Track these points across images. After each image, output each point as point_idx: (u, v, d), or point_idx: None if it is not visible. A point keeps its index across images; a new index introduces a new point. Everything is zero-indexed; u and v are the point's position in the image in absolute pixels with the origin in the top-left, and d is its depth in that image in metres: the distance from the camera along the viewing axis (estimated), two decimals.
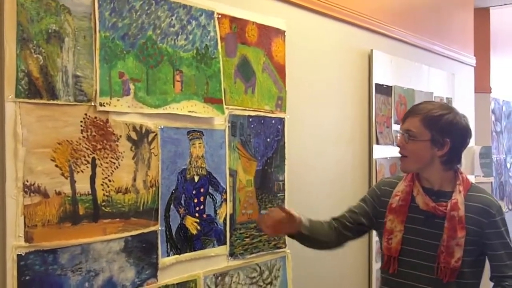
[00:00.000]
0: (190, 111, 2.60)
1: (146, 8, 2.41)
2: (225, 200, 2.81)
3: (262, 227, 2.45)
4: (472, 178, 5.80)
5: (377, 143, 4.08)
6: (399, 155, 2.51)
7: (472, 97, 5.95)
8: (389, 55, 4.28)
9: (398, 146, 2.50)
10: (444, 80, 5.19)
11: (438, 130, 2.41)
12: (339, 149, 3.79)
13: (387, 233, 2.53)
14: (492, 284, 2.50)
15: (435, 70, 5.01)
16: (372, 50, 4.07)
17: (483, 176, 6.09)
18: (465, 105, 5.63)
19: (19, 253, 1.99)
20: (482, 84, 6.30)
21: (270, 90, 3.07)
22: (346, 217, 2.63)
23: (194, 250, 2.66)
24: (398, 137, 2.53)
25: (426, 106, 2.49)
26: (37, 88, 2.03)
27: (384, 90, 4.21)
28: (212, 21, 2.71)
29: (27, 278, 2.01)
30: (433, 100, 4.81)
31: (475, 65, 5.97)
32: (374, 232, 3.97)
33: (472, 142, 5.78)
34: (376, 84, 4.11)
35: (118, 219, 2.32)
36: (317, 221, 2.55)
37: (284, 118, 3.17)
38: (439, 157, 2.44)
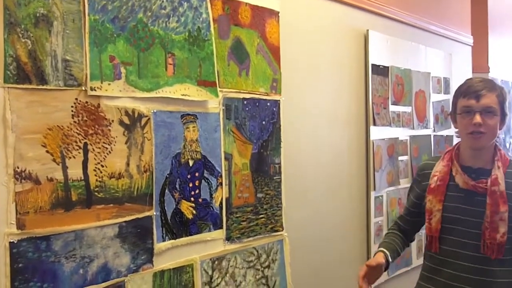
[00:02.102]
0: (183, 95, 2.57)
1: None
2: (221, 184, 2.79)
3: None
4: None
5: (374, 124, 4.05)
6: (472, 132, 2.48)
7: (470, 76, 5.91)
8: (385, 35, 4.24)
9: (477, 124, 2.45)
10: (442, 60, 5.16)
11: (506, 105, 2.51)
12: (335, 131, 3.76)
13: (428, 214, 2.60)
14: None
15: (432, 50, 4.97)
16: (368, 30, 4.03)
17: None
18: None
19: (11, 241, 1.97)
20: (480, 64, 6.25)
21: (265, 72, 3.04)
22: (402, 218, 2.85)
23: (190, 235, 2.64)
24: (473, 115, 2.47)
25: (489, 82, 2.53)
26: (26, 73, 2.00)
27: (381, 71, 4.18)
28: (204, 2, 2.67)
29: (20, 265, 1.99)
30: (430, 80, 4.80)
31: (472, 45, 5.93)
32: (372, 214, 3.97)
33: None
34: (373, 65, 4.08)
35: (111, 205, 2.30)
36: (393, 239, 2.76)
37: (279, 100, 3.15)
38: (499, 131, 2.52)
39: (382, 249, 2.64)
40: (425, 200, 2.63)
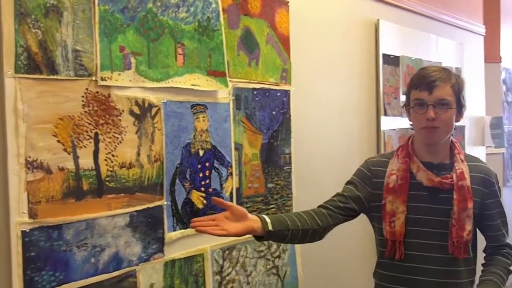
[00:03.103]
0: (193, 85, 2.57)
1: None
2: (231, 174, 2.80)
3: (204, 230, 2.10)
4: (483, 149, 5.77)
5: (385, 114, 4.05)
6: (425, 127, 2.29)
7: (482, 67, 5.88)
8: (396, 25, 4.23)
9: (430, 119, 2.26)
10: (453, 50, 5.14)
11: (462, 95, 2.33)
12: (346, 121, 3.76)
13: (389, 216, 2.36)
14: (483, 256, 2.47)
15: (444, 40, 4.95)
16: (378, 20, 4.03)
17: (494, 147, 6.05)
18: (474, 75, 5.58)
19: (24, 230, 1.98)
20: (492, 54, 6.21)
21: (275, 62, 3.05)
22: (334, 202, 2.43)
23: None
24: (420, 109, 2.29)
25: (444, 71, 2.33)
26: (37, 63, 2.01)
27: (392, 61, 4.17)
28: None
29: (32, 254, 2.00)
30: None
31: (484, 34, 5.89)
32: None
33: (482, 113, 5.75)
34: (383, 55, 4.07)
35: (122, 194, 2.31)
36: (287, 214, 2.35)
37: (289, 90, 3.15)
38: (455, 123, 2.35)
39: (261, 215, 2.24)
40: (380, 202, 2.39)
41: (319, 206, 2.43)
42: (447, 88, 2.28)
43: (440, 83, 2.27)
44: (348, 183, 2.51)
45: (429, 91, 2.27)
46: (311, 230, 2.30)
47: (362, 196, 2.44)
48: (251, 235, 2.20)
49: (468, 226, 2.30)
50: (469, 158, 2.43)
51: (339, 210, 2.40)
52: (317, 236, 2.36)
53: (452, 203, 2.31)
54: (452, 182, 2.31)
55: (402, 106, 3.74)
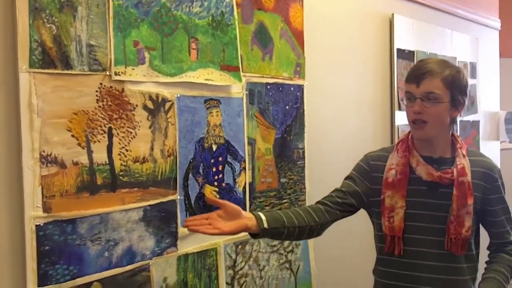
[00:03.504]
0: (206, 79, 2.57)
1: None
2: (244, 168, 2.80)
3: (197, 229, 2.08)
4: (497, 144, 5.75)
5: (400, 109, 4.03)
6: (412, 120, 2.28)
7: (497, 62, 5.84)
8: (410, 19, 4.21)
9: (416, 112, 2.23)
10: (468, 45, 5.11)
11: (458, 90, 2.26)
12: (360, 116, 3.75)
13: (387, 211, 2.33)
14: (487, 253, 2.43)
15: (458, 34, 4.92)
16: (393, 14, 4.01)
17: (509, 142, 6.02)
18: (489, 70, 5.55)
19: (38, 223, 1.99)
20: (507, 49, 6.18)
21: (288, 56, 3.04)
22: (332, 197, 2.40)
23: None
24: (410, 102, 2.27)
25: (439, 64, 2.28)
26: (51, 58, 2.01)
27: (406, 55, 4.15)
28: None
29: (47, 248, 2.02)
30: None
31: (499, 29, 5.85)
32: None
33: (497, 107, 5.71)
34: (398, 49, 4.06)
35: (136, 189, 2.32)
36: (283, 210, 2.29)
37: (303, 85, 3.14)
38: (452, 118, 2.31)
39: (256, 212, 2.21)
40: (379, 197, 2.36)
41: (317, 202, 2.41)
42: (435, 82, 2.22)
43: (428, 76, 2.22)
44: (347, 178, 2.49)
45: (417, 84, 2.23)
46: (308, 227, 2.27)
47: (360, 191, 2.41)
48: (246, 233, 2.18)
49: (468, 223, 2.26)
50: (472, 153, 2.39)
51: (337, 206, 2.37)
52: (314, 232, 2.33)
53: (451, 198, 2.27)
54: (452, 177, 2.27)
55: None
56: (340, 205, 2.38)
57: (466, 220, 2.25)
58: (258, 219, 2.14)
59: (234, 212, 2.11)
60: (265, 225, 2.14)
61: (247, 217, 2.13)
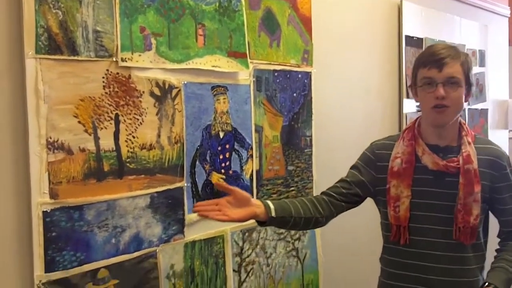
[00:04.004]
0: (213, 66, 2.56)
1: None
2: (251, 156, 2.79)
3: (207, 215, 2.09)
4: (506, 133, 5.72)
5: (408, 97, 4.01)
6: (435, 106, 2.21)
7: (506, 49, 5.80)
8: (419, 6, 4.19)
9: (440, 97, 2.18)
10: (477, 32, 5.07)
11: (470, 74, 2.26)
12: (367, 103, 3.73)
13: (393, 201, 2.31)
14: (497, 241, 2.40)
15: (467, 21, 4.89)
16: (401, 0, 3.99)
17: None
18: (498, 58, 5.51)
19: (45, 210, 1.99)
20: None
21: (296, 43, 3.02)
22: (338, 188, 2.40)
23: None
24: (435, 88, 2.19)
25: (453, 48, 2.26)
26: (57, 44, 2.00)
27: (415, 42, 4.12)
28: None
29: (53, 234, 2.01)
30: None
31: (509, 16, 5.81)
32: None
33: (506, 96, 5.68)
34: (406, 36, 4.03)
35: (143, 176, 2.31)
36: (291, 200, 2.30)
37: (310, 72, 3.13)
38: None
39: (265, 200, 2.21)
40: (384, 186, 2.34)
41: (323, 193, 2.41)
42: (456, 66, 2.20)
43: (450, 60, 2.19)
44: (352, 167, 2.48)
45: (439, 69, 2.19)
46: (313, 218, 2.29)
47: (366, 181, 2.40)
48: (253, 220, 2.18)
49: (475, 211, 2.23)
50: (480, 141, 2.35)
51: (342, 197, 2.37)
52: (319, 224, 2.35)
53: (458, 187, 2.24)
54: (458, 166, 2.24)
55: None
56: (345, 196, 2.38)
57: (474, 208, 2.23)
58: (267, 207, 2.15)
59: (243, 199, 2.12)
60: (273, 214, 2.15)
61: (256, 205, 2.13)
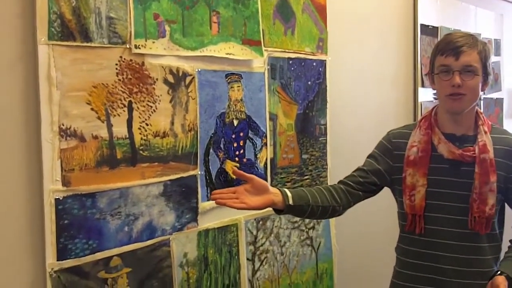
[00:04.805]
0: (227, 54, 2.54)
1: None
2: (265, 144, 2.77)
3: (225, 202, 2.07)
4: None
5: (423, 85, 3.98)
6: (451, 94, 2.21)
7: None
8: None
9: (456, 85, 2.18)
10: (492, 21, 5.02)
11: (488, 63, 2.24)
12: (382, 92, 3.70)
13: (408, 190, 2.31)
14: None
15: (483, 11, 4.84)
16: None
17: None
18: None
19: (57, 197, 1.98)
20: None
21: (311, 31, 2.99)
22: (354, 177, 2.39)
23: None
24: (451, 75, 2.19)
25: (471, 37, 2.24)
26: (70, 30, 1.99)
27: (430, 31, 4.09)
28: None
29: (66, 222, 2.01)
30: None
31: None
32: None
33: None
34: (421, 25, 4.00)
35: (156, 163, 2.30)
36: (308, 189, 2.28)
37: (325, 60, 3.10)
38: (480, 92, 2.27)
39: (282, 188, 2.21)
40: (401, 175, 2.33)
41: (339, 182, 2.41)
42: (474, 54, 2.19)
43: (467, 48, 2.18)
44: (369, 156, 2.47)
45: (456, 57, 2.18)
46: (330, 207, 2.28)
47: (382, 170, 2.39)
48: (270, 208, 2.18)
49: (491, 201, 2.21)
50: (496, 130, 2.33)
51: (359, 185, 2.37)
52: (336, 213, 2.34)
53: (473, 176, 2.23)
54: (474, 155, 2.23)
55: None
56: (362, 185, 2.37)
57: (490, 198, 2.21)
58: (284, 195, 2.14)
59: (261, 187, 2.11)
60: (291, 202, 2.14)
61: (274, 193, 2.13)
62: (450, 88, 2.20)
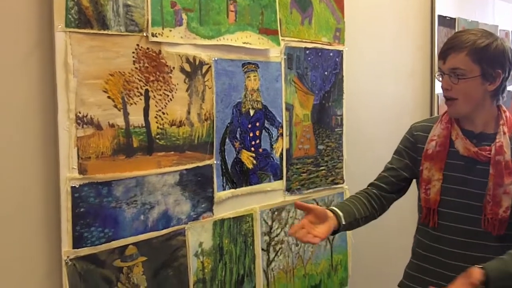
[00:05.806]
0: (244, 43, 2.52)
1: None
2: (281, 134, 2.76)
3: (302, 238, 2.05)
4: None
5: None
6: (444, 97, 2.21)
7: None
8: None
9: (445, 89, 2.17)
10: (510, 13, 4.98)
11: (489, 62, 2.12)
12: (399, 83, 3.68)
13: (424, 183, 2.29)
14: None
15: (501, 2, 4.80)
16: None
17: None
18: None
19: (73, 185, 1.98)
20: None
21: (328, 21, 2.97)
22: (386, 178, 2.40)
23: (250, 185, 2.63)
24: (441, 79, 2.19)
25: (467, 37, 2.16)
26: (87, 17, 1.98)
27: (447, 22, 4.05)
28: None
29: (82, 210, 2.00)
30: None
31: None
32: None
33: None
34: (439, 16, 3.97)
35: (172, 152, 2.29)
36: (351, 201, 2.31)
37: (342, 50, 3.07)
38: (490, 92, 2.17)
39: (333, 208, 2.22)
40: (419, 167, 2.32)
41: (372, 185, 2.42)
42: (460, 57, 2.11)
43: (452, 51, 2.13)
44: (395, 153, 2.45)
45: (443, 60, 2.17)
46: (370, 216, 2.33)
47: (410, 163, 2.38)
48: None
49: (506, 203, 2.14)
50: None
51: (391, 186, 2.38)
52: (373, 219, 2.38)
53: (488, 177, 2.17)
54: (489, 155, 2.17)
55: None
56: (394, 185, 2.39)
57: (504, 200, 2.15)
58: (337, 215, 2.17)
59: (321, 215, 2.11)
60: (343, 222, 2.17)
61: (331, 217, 2.14)
62: (443, 91, 2.21)
